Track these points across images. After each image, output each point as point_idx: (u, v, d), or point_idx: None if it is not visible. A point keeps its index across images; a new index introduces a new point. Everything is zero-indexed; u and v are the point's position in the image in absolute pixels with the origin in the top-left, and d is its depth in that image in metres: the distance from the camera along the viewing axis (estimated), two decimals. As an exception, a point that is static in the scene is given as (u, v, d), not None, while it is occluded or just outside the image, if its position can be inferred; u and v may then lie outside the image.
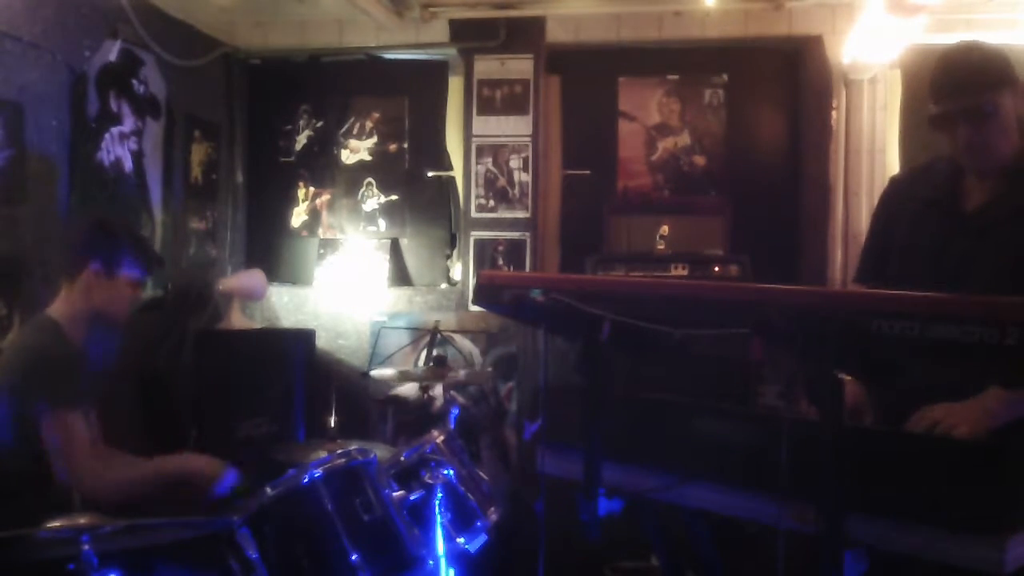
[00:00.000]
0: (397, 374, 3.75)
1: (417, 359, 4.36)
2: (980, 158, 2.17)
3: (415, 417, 4.17)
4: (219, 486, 2.59)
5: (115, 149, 3.85)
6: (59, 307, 2.68)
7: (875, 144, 4.54)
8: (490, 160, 4.67)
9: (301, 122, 5.07)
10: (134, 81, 3.98)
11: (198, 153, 4.60)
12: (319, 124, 5.05)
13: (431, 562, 2.36)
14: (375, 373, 3.75)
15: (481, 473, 2.84)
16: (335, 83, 5.04)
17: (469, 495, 2.64)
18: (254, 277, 4.60)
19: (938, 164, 2.33)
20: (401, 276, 4.96)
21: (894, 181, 2.53)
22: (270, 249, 5.11)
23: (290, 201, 5.10)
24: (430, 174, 4.95)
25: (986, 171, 2.19)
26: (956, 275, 2.12)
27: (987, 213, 2.16)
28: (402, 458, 2.60)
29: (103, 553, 1.76)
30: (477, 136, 4.69)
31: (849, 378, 1.43)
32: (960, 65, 2.14)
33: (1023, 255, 2.07)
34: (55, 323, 2.63)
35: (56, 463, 2.47)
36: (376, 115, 5.01)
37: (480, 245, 4.69)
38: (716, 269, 4.18)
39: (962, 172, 2.23)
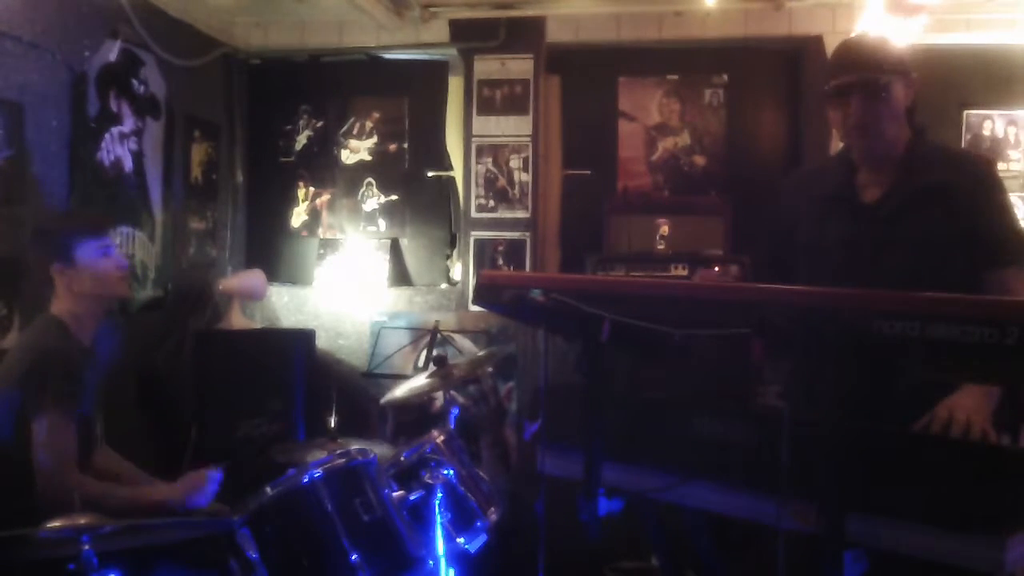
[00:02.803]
0: (406, 392, 3.29)
1: (417, 359, 4.36)
2: (868, 139, 2.20)
3: (415, 417, 4.17)
4: (195, 501, 2.54)
5: (115, 149, 3.84)
6: (60, 308, 2.66)
7: (875, 144, 4.53)
8: (490, 160, 4.67)
9: (301, 122, 5.06)
10: (134, 81, 3.97)
11: (198, 153, 4.59)
12: (319, 124, 5.05)
13: (431, 562, 2.36)
14: (387, 398, 3.40)
15: (481, 473, 2.84)
16: (335, 83, 5.03)
17: (469, 495, 2.64)
18: (254, 277, 4.60)
19: (830, 163, 2.38)
20: (401, 276, 4.96)
21: (786, 182, 2.54)
22: (270, 249, 5.10)
23: (290, 201, 5.10)
24: (430, 174, 4.95)
25: (874, 157, 2.23)
26: (870, 266, 2.16)
27: (887, 203, 2.20)
28: (402, 458, 2.60)
29: (103, 553, 1.77)
30: (477, 136, 4.69)
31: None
32: (861, 44, 2.25)
33: (928, 238, 2.12)
34: (61, 322, 2.62)
35: (36, 462, 2.41)
36: (376, 115, 5.00)
37: (480, 245, 4.69)
38: (716, 269, 4.18)
39: (855, 168, 2.27)
